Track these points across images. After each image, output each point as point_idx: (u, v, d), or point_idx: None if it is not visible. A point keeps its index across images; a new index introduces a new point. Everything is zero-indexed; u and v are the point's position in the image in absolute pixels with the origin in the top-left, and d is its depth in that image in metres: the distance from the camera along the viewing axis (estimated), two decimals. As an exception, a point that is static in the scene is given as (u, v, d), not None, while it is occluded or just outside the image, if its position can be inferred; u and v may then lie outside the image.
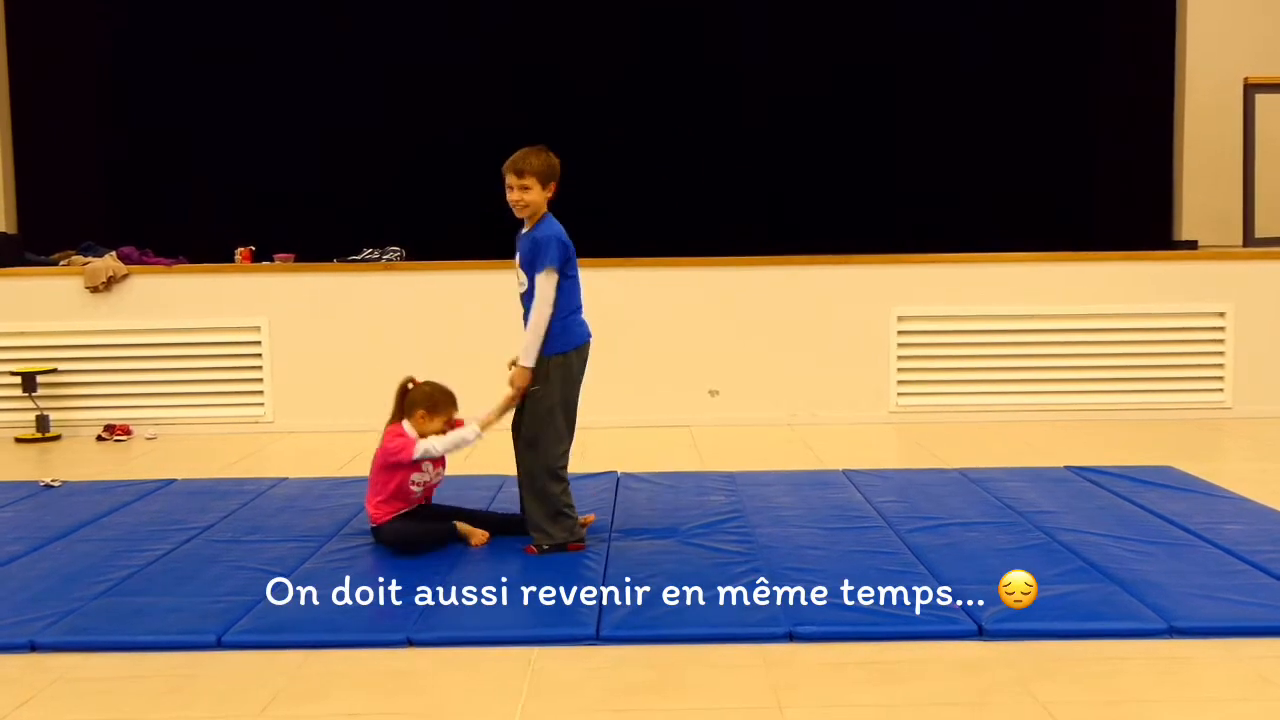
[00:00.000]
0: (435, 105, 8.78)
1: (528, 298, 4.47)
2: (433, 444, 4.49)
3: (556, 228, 4.46)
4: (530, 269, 4.42)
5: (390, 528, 4.50)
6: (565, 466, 4.55)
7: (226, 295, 7.56)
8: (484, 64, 8.77)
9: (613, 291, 7.13)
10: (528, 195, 4.41)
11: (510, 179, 4.43)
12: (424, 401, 4.55)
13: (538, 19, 8.78)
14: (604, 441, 6.63)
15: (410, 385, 4.62)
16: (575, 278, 4.49)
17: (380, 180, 8.81)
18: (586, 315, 4.57)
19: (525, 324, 4.48)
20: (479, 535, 4.56)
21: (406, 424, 4.55)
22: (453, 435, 4.51)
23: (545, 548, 4.45)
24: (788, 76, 8.81)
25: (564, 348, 4.44)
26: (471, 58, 8.76)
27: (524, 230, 4.53)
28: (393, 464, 4.50)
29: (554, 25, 8.76)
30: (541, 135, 4.77)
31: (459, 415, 4.64)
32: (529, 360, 4.39)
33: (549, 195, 4.47)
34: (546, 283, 4.37)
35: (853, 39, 8.84)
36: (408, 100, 8.80)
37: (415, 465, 4.52)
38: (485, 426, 4.52)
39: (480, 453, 6.52)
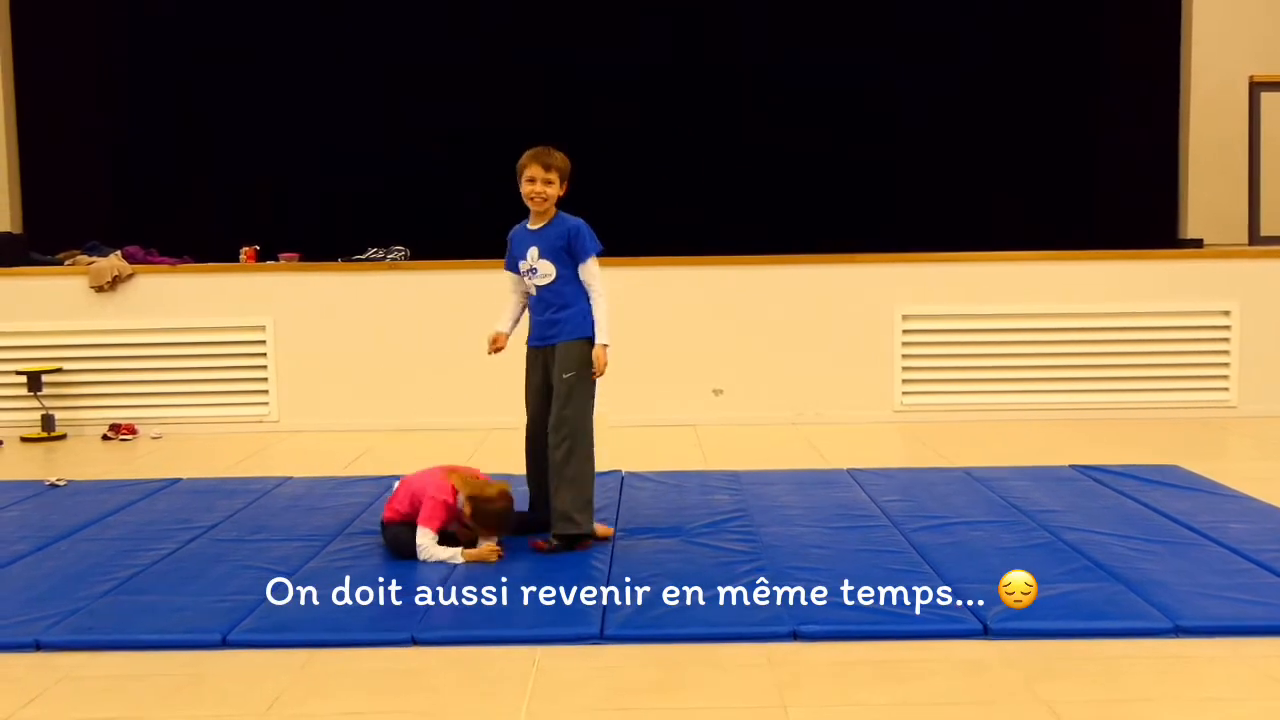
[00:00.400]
0: (435, 103, 8.77)
1: (551, 290, 4.57)
2: (425, 543, 4.33)
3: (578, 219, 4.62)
4: (564, 258, 4.55)
5: (392, 532, 4.48)
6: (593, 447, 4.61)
7: (231, 295, 7.57)
8: (484, 63, 8.76)
9: (616, 291, 7.00)
10: (550, 189, 4.54)
11: (536, 170, 4.52)
12: (478, 511, 4.36)
13: (537, 17, 8.77)
14: (609, 441, 6.60)
15: (503, 493, 4.42)
16: None
17: (382, 179, 8.80)
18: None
19: (537, 314, 4.63)
20: (489, 552, 4.38)
21: (464, 497, 4.39)
22: (442, 551, 4.32)
23: (552, 545, 4.45)
24: (788, 73, 8.79)
25: (589, 332, 4.58)
26: (471, 57, 8.76)
27: (532, 226, 4.63)
28: (417, 499, 4.44)
29: (554, 23, 8.75)
30: (541, 132, 4.81)
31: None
32: (607, 337, 4.56)
33: (562, 194, 4.59)
34: (597, 267, 4.58)
35: (853, 37, 8.82)
36: (408, 98, 8.79)
37: None
38: (468, 558, 4.30)
39: (484, 453, 6.55)
